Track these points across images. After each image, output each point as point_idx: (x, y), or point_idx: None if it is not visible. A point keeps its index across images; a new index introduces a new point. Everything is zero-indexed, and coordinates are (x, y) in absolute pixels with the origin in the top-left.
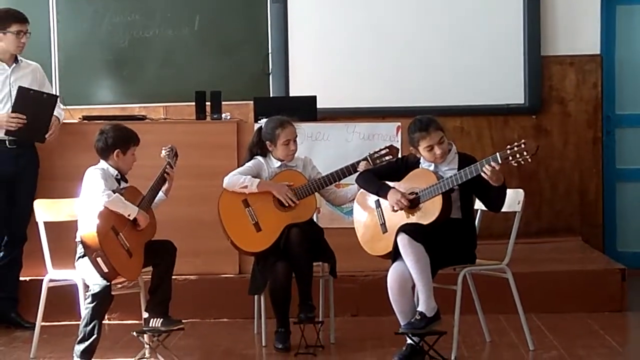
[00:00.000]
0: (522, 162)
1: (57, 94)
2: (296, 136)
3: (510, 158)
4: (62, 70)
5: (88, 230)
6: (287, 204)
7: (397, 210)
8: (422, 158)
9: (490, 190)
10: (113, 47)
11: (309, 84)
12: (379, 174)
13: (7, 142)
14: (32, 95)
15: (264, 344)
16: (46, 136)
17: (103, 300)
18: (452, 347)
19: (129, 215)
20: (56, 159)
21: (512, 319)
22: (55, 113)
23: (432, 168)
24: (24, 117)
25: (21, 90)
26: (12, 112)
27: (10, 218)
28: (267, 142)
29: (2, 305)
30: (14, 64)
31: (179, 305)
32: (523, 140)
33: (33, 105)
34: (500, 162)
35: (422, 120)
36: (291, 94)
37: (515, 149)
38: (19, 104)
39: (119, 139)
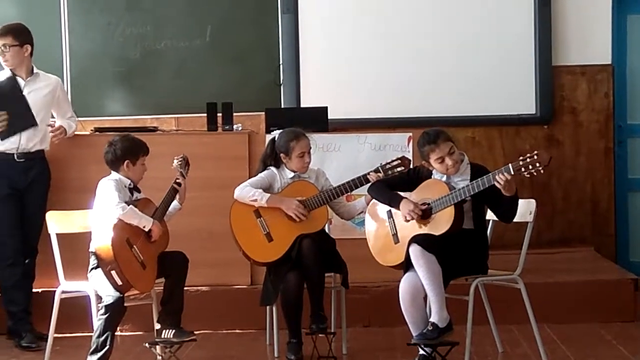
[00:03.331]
0: (535, 174)
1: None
2: (310, 148)
3: (523, 169)
4: (74, 82)
5: (102, 243)
6: (297, 220)
7: (409, 221)
8: (434, 170)
9: (502, 201)
10: (125, 59)
11: (320, 94)
12: (391, 185)
13: (15, 155)
14: None
15: (276, 355)
16: (52, 138)
17: (116, 312)
18: (465, 357)
19: (144, 227)
20: (68, 170)
21: (524, 330)
22: (64, 124)
23: (444, 179)
24: (4, 112)
25: None
26: None
27: (22, 230)
28: (282, 155)
29: (15, 317)
30: (30, 77)
31: (191, 316)
32: (535, 152)
33: (2, 98)
34: (512, 173)
35: (429, 133)
36: (302, 105)
37: (528, 160)
38: None
39: (128, 150)
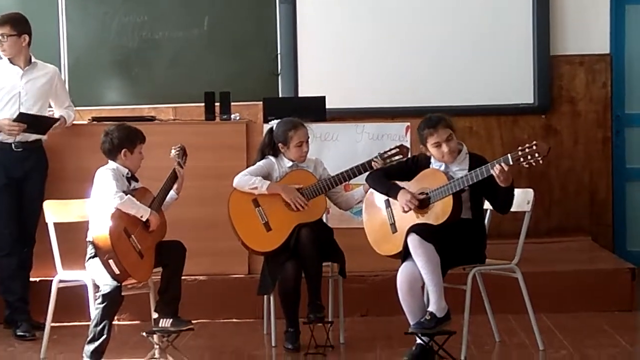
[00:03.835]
0: (534, 164)
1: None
2: (308, 138)
3: (522, 159)
4: (72, 71)
5: (100, 232)
6: (295, 208)
7: (407, 211)
8: (432, 158)
9: (498, 191)
10: (122, 48)
11: (318, 84)
12: (389, 174)
13: (13, 145)
14: (31, 118)
15: (273, 344)
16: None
17: (113, 301)
18: (462, 346)
19: (141, 217)
20: (66, 160)
21: (521, 319)
22: (62, 114)
23: (442, 168)
24: (24, 125)
25: (21, 115)
26: (14, 121)
27: (19, 219)
28: (280, 144)
29: (12, 306)
30: (28, 66)
31: (188, 305)
32: (534, 142)
33: (33, 123)
34: (511, 163)
35: (431, 118)
36: (300, 95)
37: (527, 150)
38: (17, 121)
39: (124, 139)
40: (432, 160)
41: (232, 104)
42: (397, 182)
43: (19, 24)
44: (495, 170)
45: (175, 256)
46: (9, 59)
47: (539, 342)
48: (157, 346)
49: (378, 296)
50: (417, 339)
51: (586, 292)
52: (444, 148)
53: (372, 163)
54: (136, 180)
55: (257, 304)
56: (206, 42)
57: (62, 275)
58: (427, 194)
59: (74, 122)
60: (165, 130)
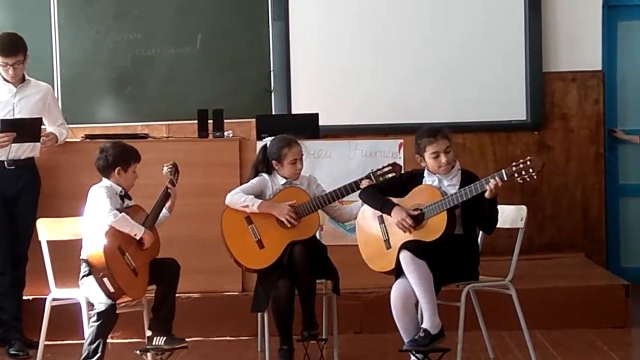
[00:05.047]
0: (528, 179)
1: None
2: (302, 155)
3: (516, 175)
4: (65, 89)
5: (94, 250)
6: (288, 225)
7: (405, 231)
8: (425, 173)
9: (482, 207)
10: (115, 66)
11: (311, 101)
12: (383, 190)
13: (5, 162)
14: (15, 122)
15: None
16: (41, 143)
17: (108, 319)
18: None
19: (135, 235)
20: (59, 177)
21: (515, 336)
22: (55, 132)
23: (435, 184)
24: (12, 133)
25: (3, 122)
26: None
27: (12, 237)
28: (274, 161)
29: (5, 325)
30: (21, 84)
31: (182, 323)
32: (529, 157)
33: (19, 127)
34: (505, 179)
35: (431, 128)
36: (293, 112)
37: (521, 165)
38: (4, 129)
39: (119, 157)
40: (425, 175)
41: (225, 121)
42: (391, 199)
43: (24, 47)
44: (490, 185)
45: (170, 274)
46: (2, 77)
47: (533, 359)
48: None
49: (372, 313)
50: (412, 356)
51: (580, 308)
52: (442, 158)
53: (365, 181)
54: (129, 198)
55: (251, 321)
56: (199, 60)
57: (56, 293)
58: (421, 210)
59: (67, 140)
60: (158, 148)
